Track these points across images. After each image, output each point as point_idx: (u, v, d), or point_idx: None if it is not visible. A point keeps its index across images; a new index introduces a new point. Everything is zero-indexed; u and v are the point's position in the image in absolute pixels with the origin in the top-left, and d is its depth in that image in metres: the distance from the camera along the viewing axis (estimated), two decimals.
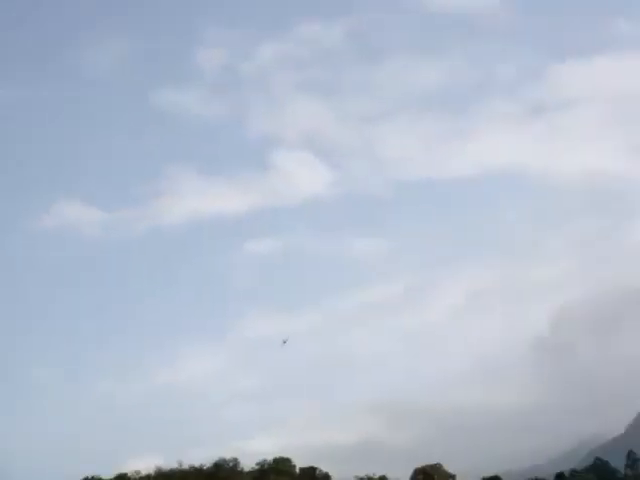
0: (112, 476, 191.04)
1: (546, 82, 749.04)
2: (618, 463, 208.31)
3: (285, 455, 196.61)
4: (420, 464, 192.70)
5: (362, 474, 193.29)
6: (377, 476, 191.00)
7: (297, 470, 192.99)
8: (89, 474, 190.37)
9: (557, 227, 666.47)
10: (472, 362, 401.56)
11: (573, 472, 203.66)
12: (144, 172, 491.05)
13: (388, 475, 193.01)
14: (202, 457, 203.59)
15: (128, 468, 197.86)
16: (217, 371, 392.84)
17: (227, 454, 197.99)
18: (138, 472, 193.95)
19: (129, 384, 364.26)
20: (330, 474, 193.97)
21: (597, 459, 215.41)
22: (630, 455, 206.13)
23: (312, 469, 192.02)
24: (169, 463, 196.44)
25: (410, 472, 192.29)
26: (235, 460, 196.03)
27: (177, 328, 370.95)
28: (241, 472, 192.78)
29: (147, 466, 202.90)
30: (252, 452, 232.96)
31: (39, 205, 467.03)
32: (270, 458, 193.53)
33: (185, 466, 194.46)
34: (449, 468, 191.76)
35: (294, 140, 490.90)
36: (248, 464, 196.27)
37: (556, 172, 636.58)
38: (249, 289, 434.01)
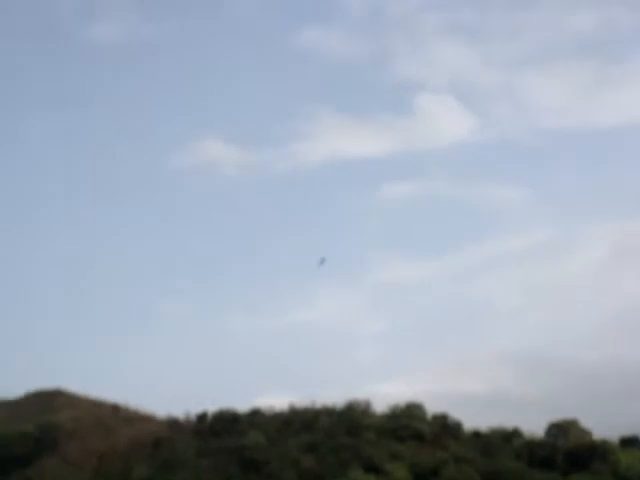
0: (246, 410, 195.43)
1: None
2: None
3: (416, 401, 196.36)
4: (554, 418, 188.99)
5: (494, 424, 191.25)
6: (511, 428, 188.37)
7: (428, 416, 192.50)
8: (223, 407, 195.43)
9: None
10: (612, 318, 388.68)
11: None
12: (284, 112, 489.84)
13: (521, 427, 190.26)
14: (333, 397, 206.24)
15: (260, 403, 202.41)
16: (350, 313, 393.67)
17: (358, 396, 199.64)
18: (272, 407, 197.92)
19: (261, 320, 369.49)
20: (461, 422, 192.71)
21: None
22: None
23: (443, 417, 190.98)
24: (301, 401, 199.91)
25: (543, 425, 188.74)
26: (367, 402, 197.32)
27: (311, 267, 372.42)
28: (373, 414, 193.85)
29: (279, 402, 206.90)
30: (383, 396, 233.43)
31: (181, 142, 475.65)
32: (402, 403, 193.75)
33: (317, 405, 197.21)
34: (585, 424, 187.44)
35: (437, 84, 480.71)
36: (379, 407, 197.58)
37: None
38: (385, 233, 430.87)
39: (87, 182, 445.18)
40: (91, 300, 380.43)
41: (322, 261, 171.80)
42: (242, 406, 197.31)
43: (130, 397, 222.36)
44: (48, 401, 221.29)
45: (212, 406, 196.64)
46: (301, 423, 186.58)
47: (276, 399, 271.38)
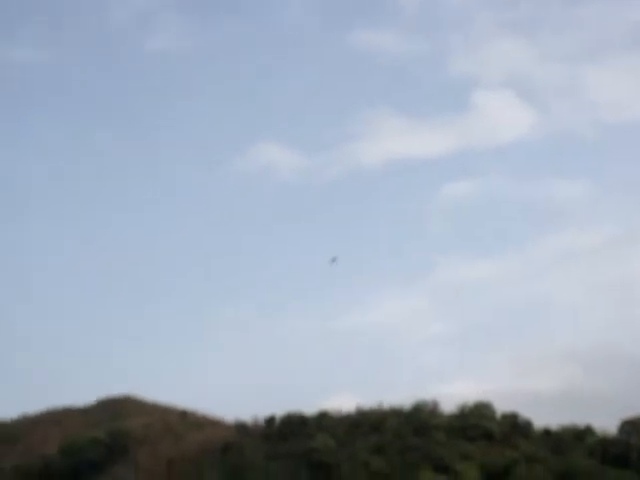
0: (314, 413, 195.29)
1: None
2: None
3: (485, 400, 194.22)
4: (627, 415, 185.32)
5: (565, 422, 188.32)
6: (582, 426, 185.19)
7: (497, 416, 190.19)
8: (291, 410, 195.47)
9: None
10: None
11: None
12: (341, 114, 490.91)
13: (593, 425, 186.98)
14: (400, 398, 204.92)
15: (328, 406, 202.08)
16: (412, 314, 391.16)
17: (425, 397, 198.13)
18: (339, 410, 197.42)
19: (325, 323, 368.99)
20: (531, 421, 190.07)
21: None
22: None
23: (513, 415, 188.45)
24: (368, 402, 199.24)
25: (615, 422, 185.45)
26: (434, 402, 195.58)
27: (370, 270, 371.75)
28: (441, 415, 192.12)
29: (346, 404, 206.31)
30: (450, 396, 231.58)
31: (238, 147, 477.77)
32: (470, 402, 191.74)
33: (385, 407, 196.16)
34: None
35: (494, 80, 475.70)
36: (447, 408, 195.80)
37: None
38: (446, 233, 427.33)
39: (147, 187, 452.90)
40: (157, 307, 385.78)
41: (333, 260, 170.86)
42: (309, 409, 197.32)
43: (198, 402, 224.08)
44: (118, 408, 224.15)
45: (280, 410, 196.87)
46: (369, 425, 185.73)
47: (343, 401, 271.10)
